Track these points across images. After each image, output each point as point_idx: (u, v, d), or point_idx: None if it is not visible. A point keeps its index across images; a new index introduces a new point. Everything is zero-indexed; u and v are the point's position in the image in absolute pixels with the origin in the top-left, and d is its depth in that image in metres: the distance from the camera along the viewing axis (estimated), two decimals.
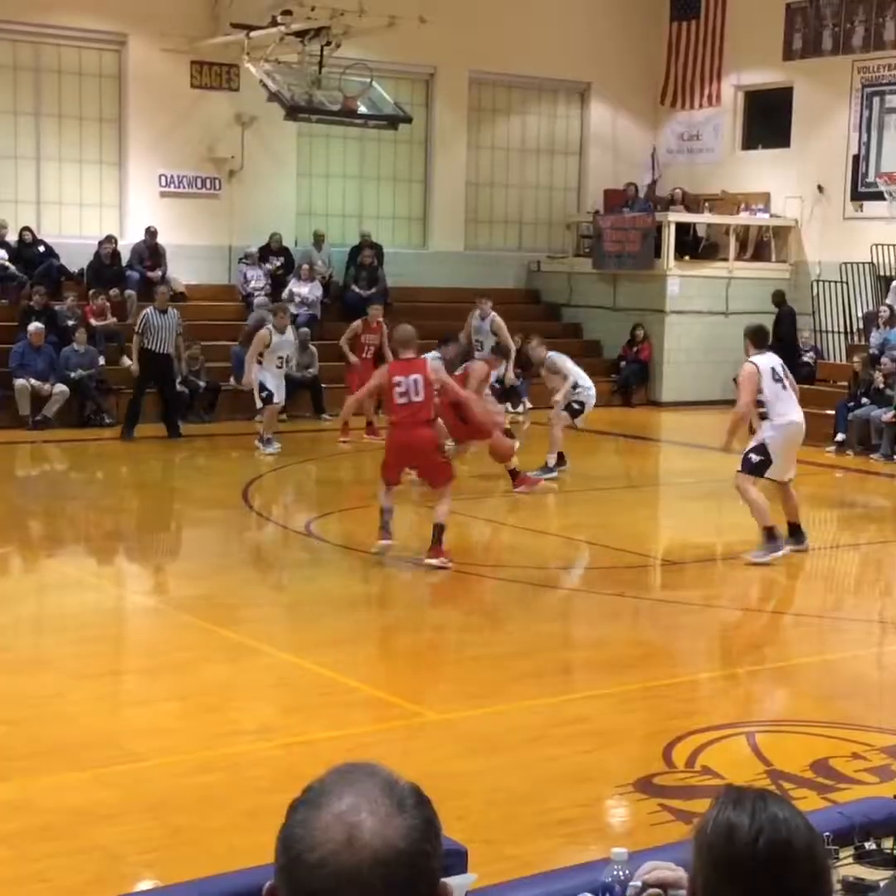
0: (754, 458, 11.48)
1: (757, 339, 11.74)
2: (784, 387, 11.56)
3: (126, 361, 19.75)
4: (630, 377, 23.33)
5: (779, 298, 22.65)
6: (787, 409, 11.54)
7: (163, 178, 22.09)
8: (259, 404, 17.29)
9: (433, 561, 11.18)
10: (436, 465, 11.41)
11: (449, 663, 9.00)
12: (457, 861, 3.61)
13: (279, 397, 17.26)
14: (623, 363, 23.51)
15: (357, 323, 18.96)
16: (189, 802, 6.21)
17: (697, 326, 23.27)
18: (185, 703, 7.68)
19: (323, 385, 20.12)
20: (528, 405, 21.97)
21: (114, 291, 20.61)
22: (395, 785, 1.77)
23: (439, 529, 11.14)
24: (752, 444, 11.61)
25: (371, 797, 1.73)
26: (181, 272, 21.86)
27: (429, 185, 24.87)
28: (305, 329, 20.51)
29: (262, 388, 17.04)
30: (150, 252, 21.47)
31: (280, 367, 17.25)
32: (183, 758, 6.77)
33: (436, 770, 6.35)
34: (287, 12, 19.74)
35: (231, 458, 17.46)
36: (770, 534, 11.56)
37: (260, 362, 17.03)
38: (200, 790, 6.37)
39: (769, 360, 11.59)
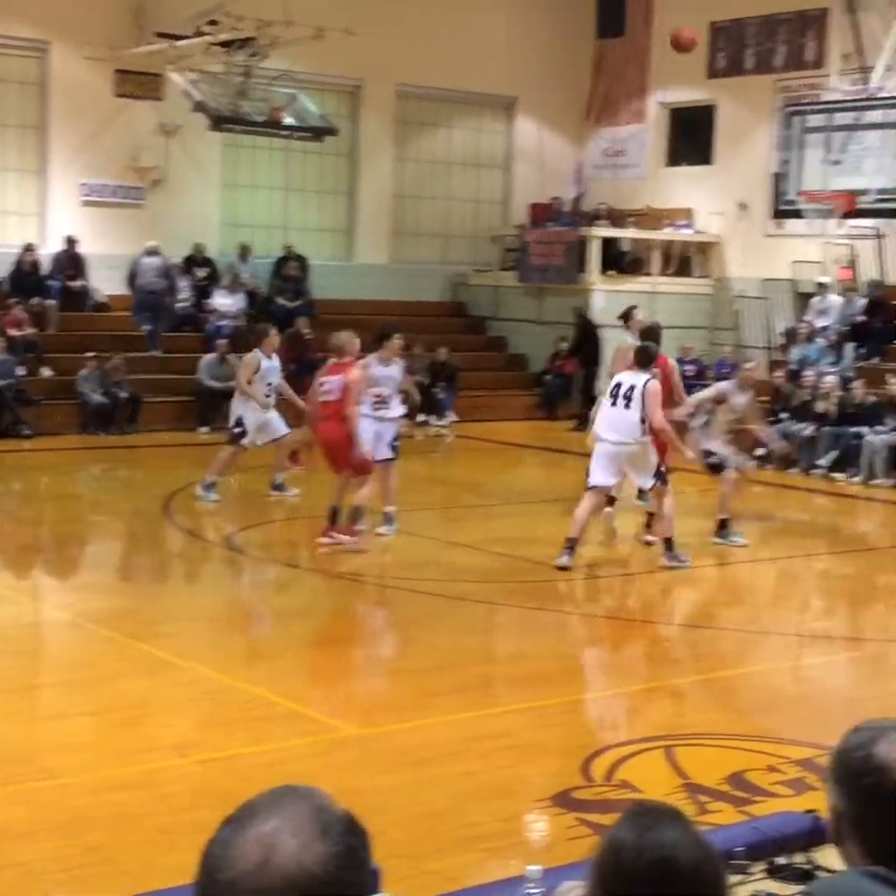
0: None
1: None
2: (612, 404, 11.84)
3: (45, 372, 19.59)
4: (554, 391, 23.44)
5: (580, 315, 22.71)
6: (600, 427, 11.98)
7: (85, 186, 21.90)
8: (227, 437, 14.94)
9: (348, 539, 11.88)
10: (348, 459, 12.14)
11: (369, 677, 8.97)
12: (372, 881, 3.58)
13: (263, 435, 14.71)
14: (547, 377, 23.61)
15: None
16: (105, 820, 6.13)
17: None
18: (102, 718, 7.59)
19: None
20: (453, 418, 22.01)
21: (35, 301, 20.41)
22: (326, 811, 1.75)
23: (356, 511, 11.95)
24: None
25: (296, 821, 1.72)
26: (103, 282, 21.67)
27: (354, 198, 24.85)
28: (223, 341, 20.39)
29: (238, 422, 14.61)
30: (71, 261, 21.26)
31: (269, 396, 14.71)
32: (99, 774, 6.69)
33: (355, 785, 6.32)
34: (213, 22, 19.67)
35: (153, 471, 17.31)
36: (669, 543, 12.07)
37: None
38: (116, 807, 6.29)
39: (618, 377, 12.08)
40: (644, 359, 12.01)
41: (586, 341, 22.69)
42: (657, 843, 2.01)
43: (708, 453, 13.24)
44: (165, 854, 5.60)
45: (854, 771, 2.40)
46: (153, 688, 8.27)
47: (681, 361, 18.76)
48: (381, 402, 12.75)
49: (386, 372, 12.90)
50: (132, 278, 21.46)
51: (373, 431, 12.59)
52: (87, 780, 6.61)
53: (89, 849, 5.82)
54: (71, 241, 21.16)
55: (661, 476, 11.87)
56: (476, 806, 6.44)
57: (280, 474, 14.93)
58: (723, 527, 13.08)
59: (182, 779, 6.68)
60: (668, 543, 12.02)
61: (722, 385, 13.85)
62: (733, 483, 13.26)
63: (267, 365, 14.68)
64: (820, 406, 18.45)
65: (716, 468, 13.27)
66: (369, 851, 1.77)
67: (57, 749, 7.09)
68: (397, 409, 13.09)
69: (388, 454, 12.85)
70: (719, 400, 13.43)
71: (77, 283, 21.12)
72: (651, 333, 13.16)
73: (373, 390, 12.61)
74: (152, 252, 21.39)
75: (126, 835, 5.97)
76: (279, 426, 14.75)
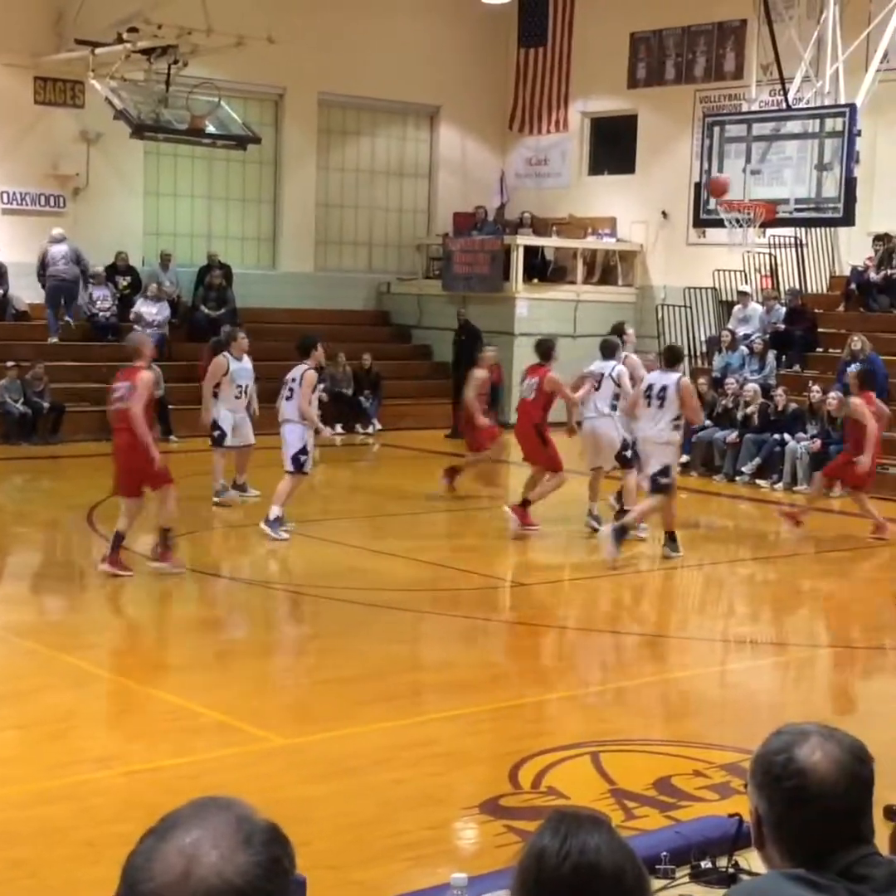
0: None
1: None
2: (647, 405, 12.80)
3: None
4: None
5: (462, 320, 22.48)
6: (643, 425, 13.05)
7: (5, 195, 21.68)
8: (210, 443, 15.16)
9: (163, 565, 11.37)
10: (137, 470, 11.21)
11: (296, 687, 8.94)
12: (296, 891, 3.58)
13: (238, 438, 15.02)
14: None
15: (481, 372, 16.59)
16: (29, 834, 6.07)
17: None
18: (26, 731, 7.51)
19: (170, 406, 19.89)
20: (378, 426, 22.00)
21: None
22: (248, 821, 1.74)
23: (165, 535, 11.43)
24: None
25: (218, 832, 1.71)
26: (23, 290, 21.45)
27: (278, 206, 24.79)
28: None
29: (215, 425, 14.92)
30: None
31: (239, 398, 14.97)
32: (23, 788, 6.62)
33: (282, 795, 6.31)
34: (133, 30, 19.54)
35: (76, 481, 17.14)
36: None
37: (216, 394, 14.99)
38: (41, 821, 6.23)
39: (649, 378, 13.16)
40: (672, 358, 13.39)
41: (470, 349, 21.58)
42: (579, 849, 2.03)
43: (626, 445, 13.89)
44: (90, 867, 5.56)
45: (775, 775, 2.43)
46: (77, 700, 8.19)
47: None
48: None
49: (241, 366, 14.78)
50: (42, 269, 21.28)
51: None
52: (12, 794, 6.54)
53: (14, 863, 5.76)
54: None
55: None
56: (404, 814, 6.45)
57: (241, 476, 15.23)
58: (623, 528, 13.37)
59: (107, 791, 6.63)
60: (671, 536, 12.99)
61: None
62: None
63: (236, 367, 14.90)
64: (740, 413, 18.65)
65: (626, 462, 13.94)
66: (293, 861, 1.77)
67: None
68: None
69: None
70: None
71: None
72: (542, 346, 14.41)
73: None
74: (59, 240, 21.25)
75: (51, 849, 5.91)
76: (250, 433, 15.01)
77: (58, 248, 21.23)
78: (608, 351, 14.25)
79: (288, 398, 13.24)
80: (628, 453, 13.82)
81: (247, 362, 15.07)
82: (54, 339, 21.02)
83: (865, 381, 14.83)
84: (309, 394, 13.17)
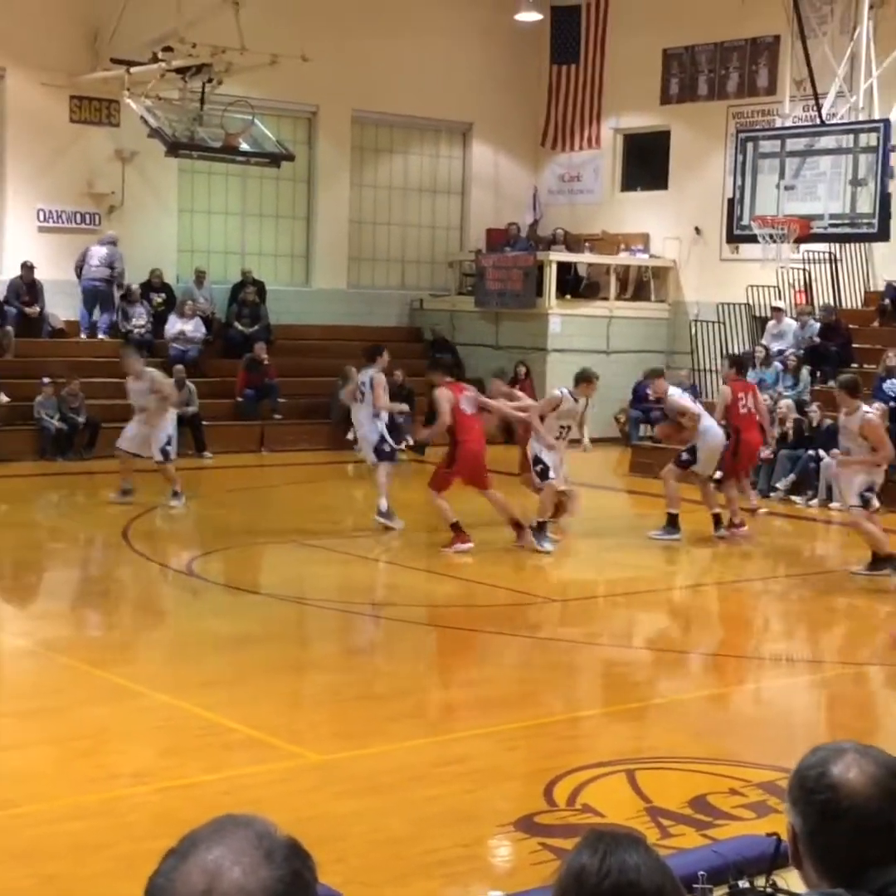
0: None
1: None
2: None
3: (2, 398, 19.48)
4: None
5: (435, 334, 22.50)
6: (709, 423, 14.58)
7: (41, 213, 21.83)
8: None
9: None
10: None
11: (329, 703, 8.93)
12: None
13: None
14: None
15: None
16: (62, 849, 6.07)
17: (578, 364, 23.39)
18: (60, 747, 7.52)
19: (204, 422, 19.97)
20: (411, 442, 21.98)
21: (4, 329, 20.34)
22: (268, 837, 1.75)
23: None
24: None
25: (239, 849, 1.72)
26: (60, 308, 21.59)
27: (311, 223, 24.87)
28: (180, 366, 20.32)
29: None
30: (27, 287, 21.18)
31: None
32: (56, 803, 6.62)
33: (315, 812, 6.29)
34: (168, 49, 19.67)
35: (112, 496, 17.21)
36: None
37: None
38: (74, 837, 6.23)
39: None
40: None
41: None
42: (619, 868, 2.01)
43: (537, 461, 13.96)
44: (123, 883, 5.55)
45: (808, 788, 2.42)
46: (112, 716, 8.20)
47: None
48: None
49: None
50: (80, 269, 21.54)
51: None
52: (46, 810, 6.55)
53: (47, 879, 5.76)
54: (27, 267, 21.07)
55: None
56: (437, 831, 6.42)
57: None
58: (540, 528, 13.75)
59: (141, 807, 6.62)
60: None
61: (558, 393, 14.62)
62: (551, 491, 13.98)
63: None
64: (776, 430, 18.54)
65: (542, 475, 13.94)
66: (314, 875, 1.77)
67: (15, 778, 7.01)
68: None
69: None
70: (555, 406, 14.14)
71: (34, 309, 21.05)
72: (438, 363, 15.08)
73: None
74: (106, 242, 21.67)
75: (84, 864, 5.91)
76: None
77: (97, 249, 21.54)
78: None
79: (359, 400, 14.54)
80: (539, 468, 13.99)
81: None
82: (83, 336, 21.57)
83: None
84: (381, 393, 14.42)
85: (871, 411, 13.14)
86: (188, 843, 1.75)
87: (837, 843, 2.38)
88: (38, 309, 21.14)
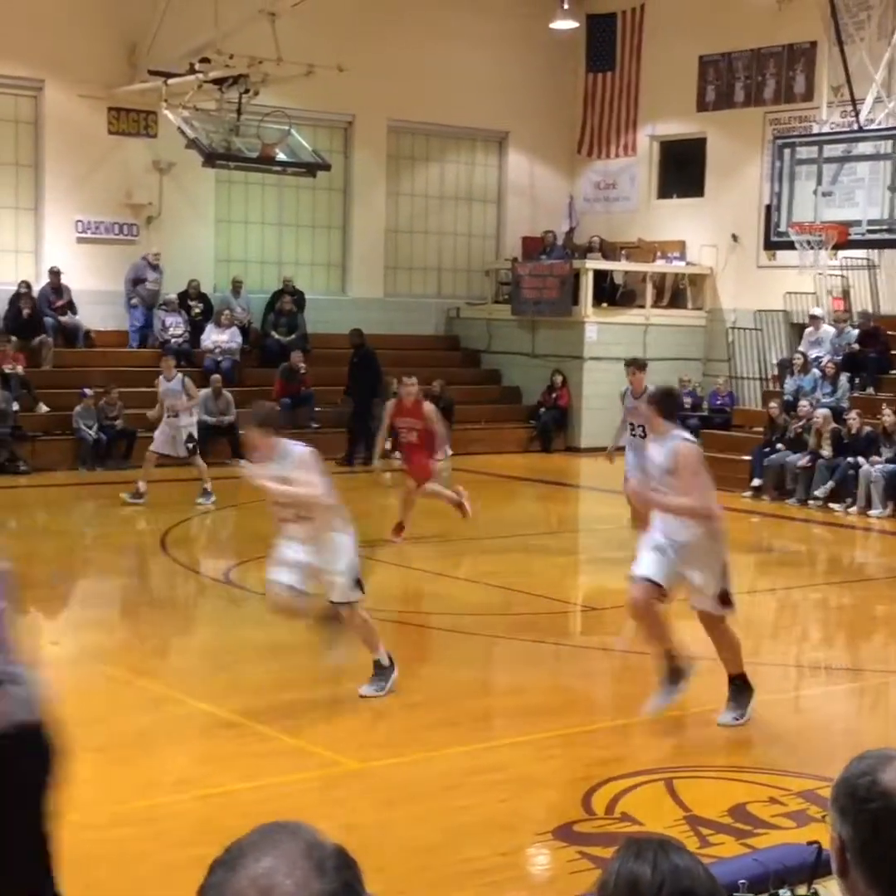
0: None
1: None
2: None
3: (42, 408, 19.61)
4: (549, 423, 23.47)
5: (357, 338, 21.68)
6: None
7: (79, 223, 21.97)
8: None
9: None
10: None
11: (367, 712, 8.93)
12: None
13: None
14: (542, 409, 23.65)
15: (389, 404, 15.82)
16: (105, 857, 6.10)
17: (615, 373, 23.35)
18: (101, 754, 7.55)
19: (241, 431, 20.01)
20: (449, 451, 21.98)
21: (42, 338, 20.50)
22: (317, 847, 1.72)
23: None
24: None
25: (290, 860, 1.69)
26: (98, 318, 21.72)
27: (348, 232, 24.93)
28: (216, 376, 20.40)
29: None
30: (54, 292, 21.26)
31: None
32: (97, 810, 6.65)
33: (354, 820, 6.30)
34: (205, 60, 19.77)
35: (149, 505, 17.28)
36: None
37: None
38: (115, 844, 6.26)
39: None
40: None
41: (364, 369, 21.39)
42: (675, 875, 2.00)
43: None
44: (164, 890, 5.58)
45: (859, 797, 2.39)
46: (151, 723, 8.24)
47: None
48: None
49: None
50: (134, 282, 22.17)
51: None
52: (86, 817, 6.56)
53: (89, 886, 5.78)
54: (54, 273, 21.18)
55: None
56: (474, 840, 6.41)
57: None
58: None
59: (181, 815, 6.65)
60: None
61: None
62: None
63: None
64: (812, 440, 18.46)
65: None
66: (362, 883, 1.74)
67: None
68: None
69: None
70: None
71: (70, 318, 21.18)
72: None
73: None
74: (152, 266, 22.25)
75: (125, 871, 5.94)
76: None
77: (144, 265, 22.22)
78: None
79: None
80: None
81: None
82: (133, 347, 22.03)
83: None
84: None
85: None
86: (235, 853, 1.72)
87: (890, 851, 2.35)
88: (73, 318, 21.24)
